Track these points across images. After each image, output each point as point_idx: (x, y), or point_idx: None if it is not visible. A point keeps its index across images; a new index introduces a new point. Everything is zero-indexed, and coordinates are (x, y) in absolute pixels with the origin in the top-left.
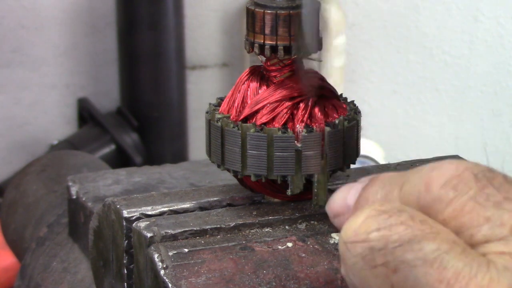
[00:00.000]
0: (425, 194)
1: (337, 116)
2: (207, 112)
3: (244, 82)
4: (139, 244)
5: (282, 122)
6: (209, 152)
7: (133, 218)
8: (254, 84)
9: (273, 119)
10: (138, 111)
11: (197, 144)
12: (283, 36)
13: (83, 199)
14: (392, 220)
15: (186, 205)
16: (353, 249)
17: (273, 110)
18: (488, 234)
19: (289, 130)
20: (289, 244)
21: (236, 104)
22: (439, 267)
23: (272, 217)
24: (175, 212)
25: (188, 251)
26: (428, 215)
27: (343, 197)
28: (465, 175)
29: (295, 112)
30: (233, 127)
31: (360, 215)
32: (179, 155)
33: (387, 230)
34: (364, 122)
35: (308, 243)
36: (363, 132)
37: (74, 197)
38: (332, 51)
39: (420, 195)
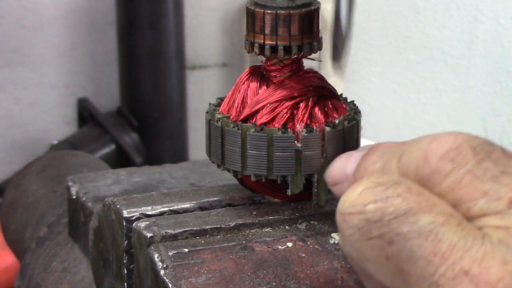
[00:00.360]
0: (423, 166)
1: (337, 116)
2: (207, 112)
3: (244, 82)
4: (139, 244)
5: (282, 122)
6: (209, 152)
7: (133, 218)
8: (254, 84)
9: (273, 119)
10: (138, 111)
11: (197, 144)
12: (283, 36)
13: (83, 199)
14: (388, 192)
15: (186, 205)
16: (349, 221)
17: (273, 110)
18: (485, 207)
19: (289, 130)
20: (289, 244)
21: (236, 104)
22: (434, 240)
23: (272, 217)
24: (175, 212)
25: (188, 251)
26: (425, 187)
27: (342, 165)
28: (464, 147)
29: (295, 112)
30: (233, 127)
31: (357, 187)
32: (179, 155)
33: (384, 202)
34: (364, 122)
35: (308, 243)
36: (363, 132)
37: (74, 197)
38: None
39: (418, 166)
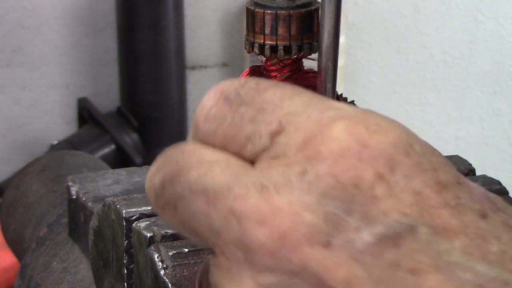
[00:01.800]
0: (197, 131)
1: None
2: None
3: None
4: (139, 244)
5: None
6: None
7: (133, 218)
8: None
9: None
10: (138, 111)
11: None
12: (283, 36)
13: (83, 199)
14: (165, 160)
15: None
16: (149, 197)
17: None
18: (253, 150)
19: None
20: None
21: None
22: (202, 191)
23: None
24: None
25: (188, 251)
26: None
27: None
28: (220, 102)
29: None
30: None
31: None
32: None
33: (161, 171)
34: None
35: None
36: None
37: (74, 197)
38: None
39: (195, 133)
